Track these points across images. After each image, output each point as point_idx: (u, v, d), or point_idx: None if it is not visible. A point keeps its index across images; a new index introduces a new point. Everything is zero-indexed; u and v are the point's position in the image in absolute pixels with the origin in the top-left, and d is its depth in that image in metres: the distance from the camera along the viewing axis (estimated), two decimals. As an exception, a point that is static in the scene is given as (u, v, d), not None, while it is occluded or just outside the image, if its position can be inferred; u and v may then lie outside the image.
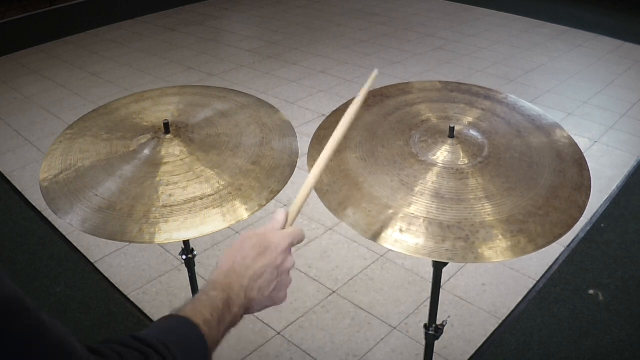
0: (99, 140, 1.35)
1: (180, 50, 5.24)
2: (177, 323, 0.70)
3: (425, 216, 1.08)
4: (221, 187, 1.19)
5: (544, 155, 1.24)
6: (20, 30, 5.85)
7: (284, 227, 0.85)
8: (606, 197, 2.99)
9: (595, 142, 3.53)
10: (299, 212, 0.87)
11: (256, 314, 2.28)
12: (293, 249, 0.84)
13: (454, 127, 1.24)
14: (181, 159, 1.26)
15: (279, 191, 1.20)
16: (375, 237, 1.06)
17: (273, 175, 1.23)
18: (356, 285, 2.42)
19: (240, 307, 0.76)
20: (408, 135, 1.28)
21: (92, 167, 1.26)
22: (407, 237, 1.05)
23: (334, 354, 2.10)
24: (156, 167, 1.24)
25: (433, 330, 1.44)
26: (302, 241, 0.85)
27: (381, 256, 2.58)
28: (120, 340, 0.64)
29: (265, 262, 0.79)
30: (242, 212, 1.15)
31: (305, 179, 0.90)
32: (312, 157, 1.25)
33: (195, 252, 1.57)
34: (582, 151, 1.28)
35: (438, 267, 1.31)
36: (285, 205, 2.91)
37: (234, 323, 0.75)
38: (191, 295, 1.63)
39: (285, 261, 0.81)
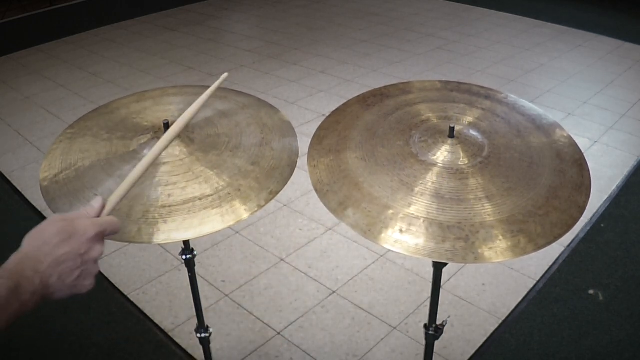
0: (99, 139, 1.35)
1: (180, 50, 5.25)
2: None
3: (425, 216, 1.08)
4: (220, 188, 1.19)
5: (544, 155, 1.24)
6: (20, 30, 5.84)
7: (98, 216, 0.83)
8: (606, 197, 2.99)
9: (595, 142, 3.54)
10: (119, 201, 0.85)
11: (256, 314, 2.28)
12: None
13: (454, 127, 1.24)
14: (180, 159, 1.26)
15: (278, 192, 1.20)
16: (375, 237, 1.06)
17: (272, 176, 1.23)
18: (356, 285, 2.42)
19: (33, 293, 0.72)
20: (408, 135, 1.28)
21: (91, 167, 1.26)
22: (407, 238, 1.05)
23: (334, 354, 2.10)
24: (155, 167, 1.24)
25: (433, 330, 1.43)
26: (116, 232, 0.82)
27: (381, 256, 2.58)
28: None
29: (68, 250, 0.76)
30: (241, 212, 1.15)
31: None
32: (312, 157, 1.25)
33: (195, 252, 1.57)
34: (582, 151, 1.28)
35: (438, 267, 1.31)
36: (286, 206, 2.91)
37: (22, 311, 0.71)
38: (191, 295, 1.63)
39: (92, 249, 0.79)
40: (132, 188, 0.87)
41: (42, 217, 2.88)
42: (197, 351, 2.09)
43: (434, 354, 1.51)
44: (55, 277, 0.75)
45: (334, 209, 1.12)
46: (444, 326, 1.44)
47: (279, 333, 2.19)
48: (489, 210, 1.09)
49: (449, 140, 1.23)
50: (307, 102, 4.14)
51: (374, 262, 2.55)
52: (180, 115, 1.42)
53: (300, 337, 2.18)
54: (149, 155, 0.92)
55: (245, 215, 1.14)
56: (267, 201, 1.18)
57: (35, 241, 0.77)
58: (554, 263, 2.53)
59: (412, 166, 1.19)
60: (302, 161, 1.21)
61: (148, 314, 2.30)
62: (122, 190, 0.86)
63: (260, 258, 2.58)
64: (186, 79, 4.58)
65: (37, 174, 1.29)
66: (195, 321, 1.69)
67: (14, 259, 0.75)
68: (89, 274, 0.79)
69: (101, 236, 0.81)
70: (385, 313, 2.27)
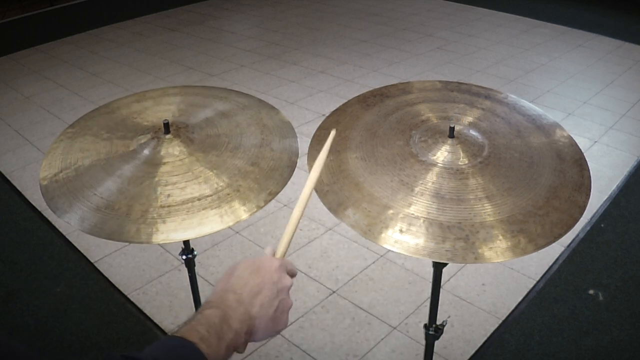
0: (99, 139, 1.35)
1: (180, 50, 5.24)
2: (171, 342, 0.68)
3: (425, 216, 1.08)
4: (219, 188, 1.19)
5: (544, 155, 1.24)
6: (20, 30, 5.85)
7: None
8: (606, 197, 2.99)
9: (595, 142, 3.53)
10: (286, 248, 0.86)
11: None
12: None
13: (454, 127, 1.24)
14: (180, 159, 1.26)
15: (278, 192, 1.20)
16: (376, 237, 1.06)
17: (272, 177, 1.23)
18: (356, 285, 2.42)
19: (241, 322, 0.74)
20: (408, 135, 1.28)
21: (91, 166, 1.26)
22: (407, 238, 1.05)
23: (334, 354, 2.10)
24: (155, 167, 1.24)
25: (433, 330, 1.43)
26: (294, 273, 0.84)
27: (381, 256, 2.58)
28: (112, 356, 0.62)
29: (261, 279, 0.78)
30: (240, 213, 1.15)
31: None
32: (312, 157, 1.25)
33: (195, 252, 1.57)
34: (582, 151, 1.28)
35: (438, 267, 1.31)
36: (286, 206, 2.91)
37: (237, 341, 0.73)
38: (191, 295, 1.63)
39: (283, 278, 0.81)
40: (294, 234, 0.88)
41: (42, 217, 2.89)
42: (197, 351, 2.09)
43: (434, 354, 1.51)
44: (257, 306, 0.77)
45: (334, 209, 1.12)
46: (444, 326, 1.44)
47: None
48: (489, 210, 1.09)
49: (449, 140, 1.23)
50: (307, 102, 4.13)
51: (374, 262, 2.55)
52: (181, 115, 1.42)
53: (300, 337, 2.18)
54: (300, 201, 0.90)
55: (244, 215, 1.14)
56: (266, 202, 1.18)
57: (227, 279, 0.79)
58: (554, 263, 2.53)
59: (412, 166, 1.19)
60: (302, 161, 1.21)
61: (148, 314, 2.30)
62: (289, 234, 0.87)
63: (260, 258, 2.58)
64: (186, 79, 4.58)
65: (37, 174, 1.29)
66: (195, 321, 1.69)
67: (214, 295, 0.78)
68: (285, 307, 0.80)
69: (284, 269, 0.82)
70: (385, 313, 2.27)
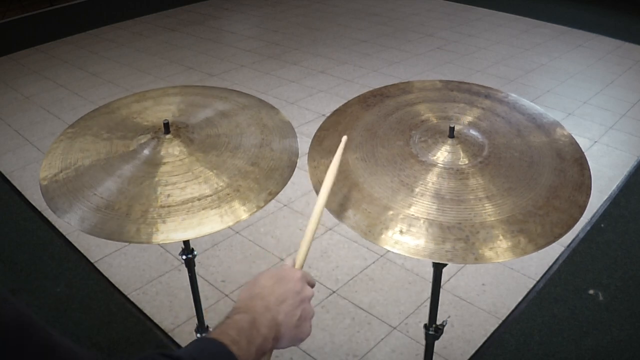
0: (99, 139, 1.35)
1: (180, 50, 5.24)
2: (206, 343, 0.71)
3: (425, 217, 1.08)
4: (219, 188, 1.19)
5: (544, 155, 1.24)
6: (20, 30, 5.85)
7: None
8: (606, 197, 2.99)
9: (595, 142, 3.53)
10: (304, 259, 0.90)
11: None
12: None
13: (454, 127, 1.23)
14: (180, 159, 1.26)
15: (278, 192, 1.20)
16: (376, 238, 1.06)
17: (272, 177, 1.23)
18: (356, 285, 2.42)
19: (269, 328, 0.77)
20: (408, 135, 1.28)
21: (91, 166, 1.26)
22: (407, 239, 1.05)
23: (334, 354, 2.10)
24: (155, 167, 1.24)
25: (433, 330, 1.43)
26: (313, 283, 0.88)
27: (381, 256, 2.58)
28: (151, 357, 0.65)
29: (285, 288, 0.82)
30: (240, 213, 1.15)
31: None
32: (312, 157, 1.24)
33: (195, 252, 1.57)
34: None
35: (438, 267, 1.31)
36: (286, 206, 2.91)
37: (265, 346, 0.76)
38: (191, 295, 1.63)
39: (305, 289, 0.84)
40: (310, 245, 0.92)
41: (42, 217, 2.89)
42: (197, 351, 2.09)
43: (434, 354, 1.51)
44: (282, 313, 0.79)
45: (334, 210, 1.12)
46: (444, 326, 1.44)
47: (279, 333, 2.19)
48: (489, 210, 1.09)
49: (449, 140, 1.23)
50: (307, 102, 4.13)
51: (374, 262, 2.55)
52: (181, 115, 1.42)
53: (300, 337, 2.17)
54: (314, 213, 0.95)
55: (244, 215, 1.14)
56: (266, 202, 1.17)
57: (252, 287, 0.82)
58: (554, 263, 2.53)
59: (412, 166, 1.18)
60: (303, 161, 1.21)
61: (148, 314, 2.30)
62: (305, 246, 0.91)
63: (260, 258, 2.58)
64: (186, 79, 4.58)
65: (37, 174, 1.29)
66: (195, 321, 1.69)
67: (240, 301, 0.80)
68: (308, 315, 0.83)
69: (305, 280, 0.85)
70: (385, 313, 2.27)
